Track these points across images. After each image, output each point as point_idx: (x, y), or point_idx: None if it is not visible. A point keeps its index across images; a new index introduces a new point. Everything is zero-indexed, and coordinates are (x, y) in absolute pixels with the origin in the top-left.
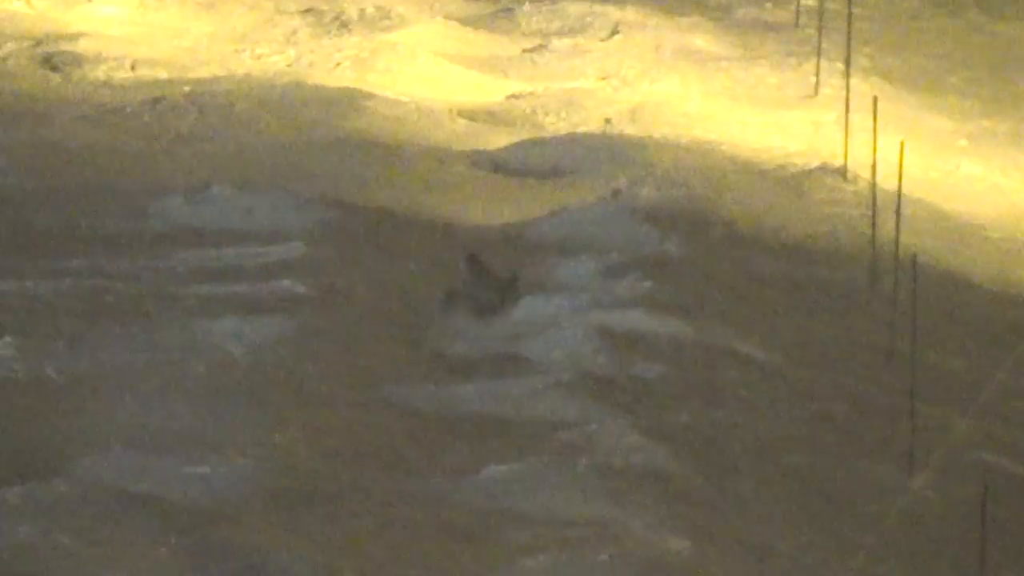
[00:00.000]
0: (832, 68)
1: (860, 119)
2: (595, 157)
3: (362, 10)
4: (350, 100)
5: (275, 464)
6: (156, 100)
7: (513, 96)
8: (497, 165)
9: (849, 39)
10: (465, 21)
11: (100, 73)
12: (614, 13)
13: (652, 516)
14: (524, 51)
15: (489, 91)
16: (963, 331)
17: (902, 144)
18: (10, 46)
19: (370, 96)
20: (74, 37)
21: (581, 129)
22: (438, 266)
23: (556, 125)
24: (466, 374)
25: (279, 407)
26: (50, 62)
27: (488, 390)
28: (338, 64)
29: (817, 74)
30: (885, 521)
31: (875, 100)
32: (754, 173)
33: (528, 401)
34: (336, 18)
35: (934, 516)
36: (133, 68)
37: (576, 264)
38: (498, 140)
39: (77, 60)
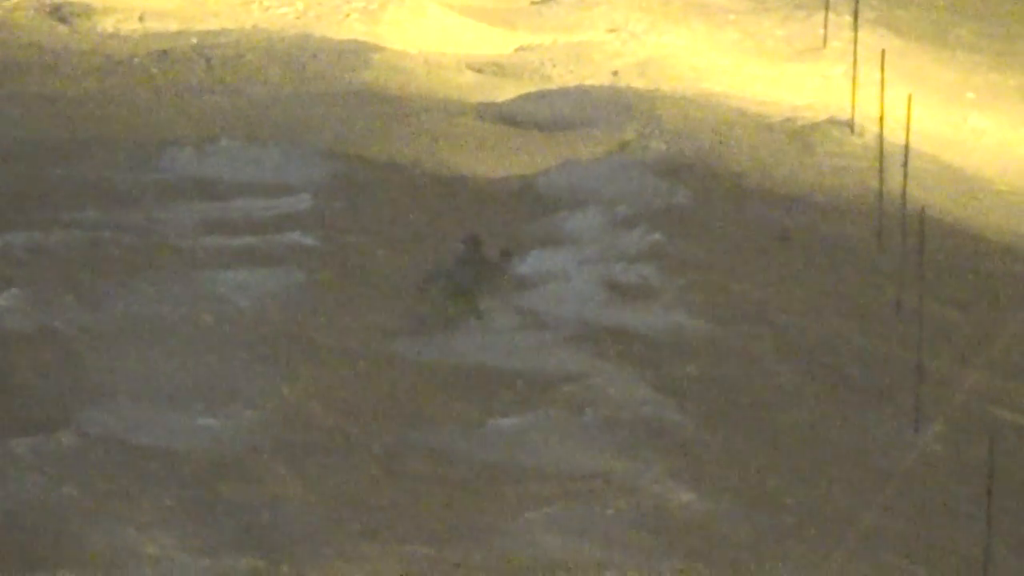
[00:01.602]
0: (840, 21)
1: (868, 72)
2: (603, 110)
3: None
4: (358, 52)
5: (282, 416)
6: (164, 52)
7: (521, 48)
8: (505, 117)
9: None
10: None
11: (108, 24)
12: None
13: (659, 469)
14: (532, 3)
15: (497, 43)
16: (970, 285)
17: (910, 97)
18: None
19: (378, 48)
20: None
21: (589, 82)
22: (447, 218)
23: (564, 78)
24: (474, 326)
25: (287, 359)
26: (58, 13)
27: (495, 343)
28: (347, 16)
29: (825, 27)
30: (892, 475)
31: (883, 53)
32: (762, 126)
33: (535, 354)
34: None
35: (941, 470)
36: (141, 19)
37: (584, 216)
38: (506, 92)
39: (85, 11)
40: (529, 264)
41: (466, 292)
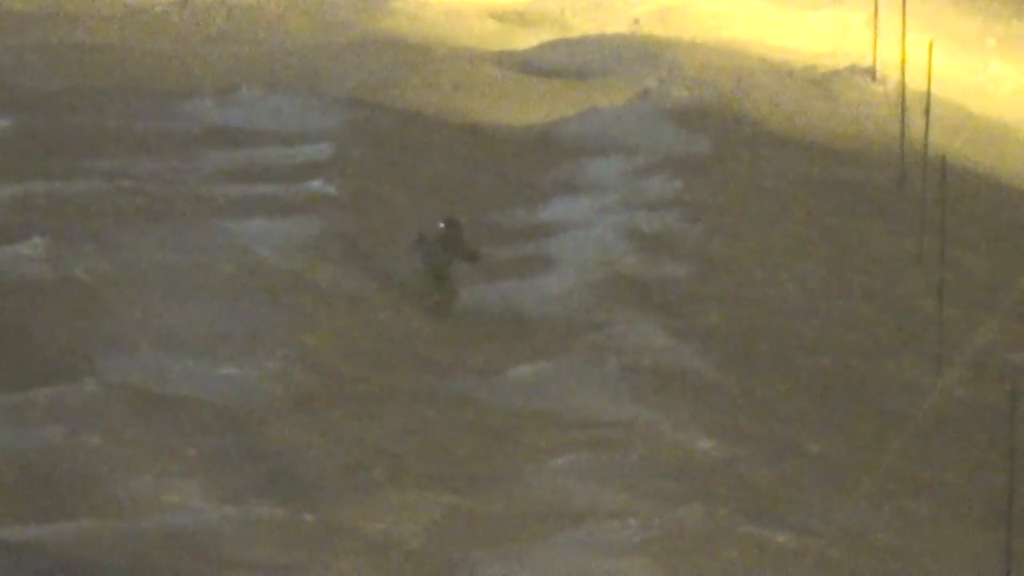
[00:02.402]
0: None
1: (889, 19)
2: (624, 57)
3: None
4: (378, 1)
5: (304, 365)
6: (185, 1)
7: None
8: (526, 66)
9: None
10: None
11: None
12: None
13: (680, 416)
14: None
15: None
16: (992, 232)
17: (930, 44)
18: None
19: None
20: None
21: (610, 30)
22: (468, 167)
23: (585, 25)
24: (495, 274)
25: (307, 308)
26: None
27: (516, 290)
28: None
29: None
30: (913, 421)
31: (904, 0)
32: (783, 73)
33: (556, 301)
34: None
35: (962, 416)
36: None
37: (605, 164)
38: (527, 41)
39: None
40: (550, 211)
41: (443, 278)
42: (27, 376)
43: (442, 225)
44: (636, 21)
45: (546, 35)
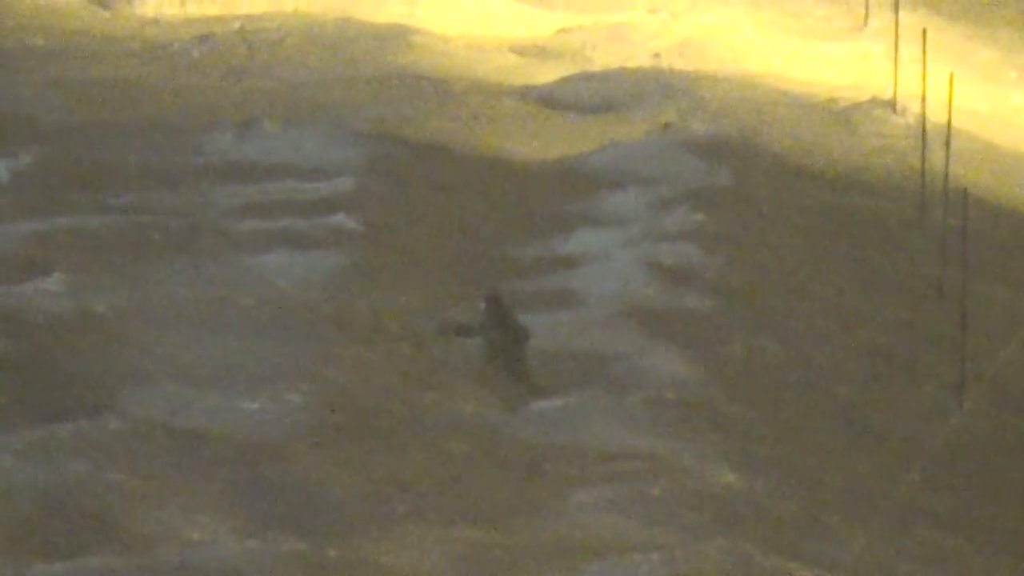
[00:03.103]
0: (881, 0)
1: (909, 51)
2: (644, 91)
3: None
4: (399, 35)
5: (325, 399)
6: (205, 36)
7: (562, 31)
8: (546, 99)
9: None
10: None
11: (149, 9)
12: None
13: (703, 449)
14: None
15: (538, 25)
16: (1013, 263)
17: (951, 77)
18: None
19: (419, 31)
20: None
21: (630, 63)
22: (488, 201)
23: (605, 59)
24: (517, 308)
25: (328, 342)
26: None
27: (538, 323)
28: None
29: (866, 6)
30: (934, 451)
31: (924, 32)
32: (803, 106)
33: (578, 334)
34: None
35: (983, 446)
36: (182, 4)
37: (626, 197)
38: (547, 74)
39: None
40: (571, 244)
41: (505, 358)
42: (49, 411)
43: (484, 303)
44: (656, 55)
45: (567, 69)
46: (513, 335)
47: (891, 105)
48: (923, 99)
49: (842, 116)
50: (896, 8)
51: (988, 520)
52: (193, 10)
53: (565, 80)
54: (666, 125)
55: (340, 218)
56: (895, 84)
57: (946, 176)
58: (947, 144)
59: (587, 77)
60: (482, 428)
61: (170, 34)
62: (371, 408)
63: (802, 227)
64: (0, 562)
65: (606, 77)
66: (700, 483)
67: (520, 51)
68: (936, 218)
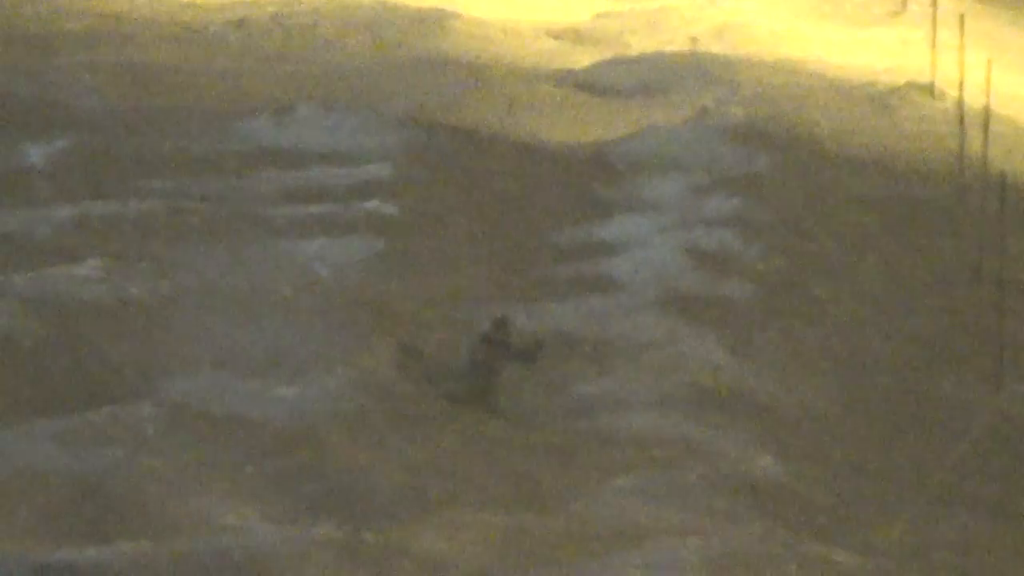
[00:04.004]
0: None
1: (947, 36)
2: (681, 76)
3: None
4: (436, 20)
5: (361, 385)
6: (241, 20)
7: (600, 15)
8: (583, 84)
9: None
10: None
11: None
12: None
13: (740, 435)
14: None
15: (575, 10)
16: None
17: (989, 62)
18: None
19: (456, 16)
20: None
21: (667, 48)
22: (525, 186)
23: (642, 44)
24: (554, 294)
25: (366, 329)
26: None
27: (576, 309)
28: None
29: None
30: (973, 438)
31: (962, 17)
32: (841, 91)
33: (616, 320)
34: None
35: (1021, 432)
36: None
37: (663, 183)
38: (584, 59)
39: None
40: (608, 230)
41: (483, 390)
42: (85, 397)
43: (488, 328)
44: (694, 39)
45: (603, 54)
46: (515, 355)
47: (929, 90)
48: (961, 84)
49: (880, 101)
50: None
51: None
52: None
53: (602, 65)
54: (703, 110)
55: (377, 204)
56: (933, 69)
57: (984, 161)
58: (985, 129)
59: (624, 62)
60: (518, 414)
61: (205, 18)
62: (407, 395)
63: (840, 213)
64: (34, 545)
65: (643, 61)
66: (736, 469)
67: (557, 36)
68: (974, 204)
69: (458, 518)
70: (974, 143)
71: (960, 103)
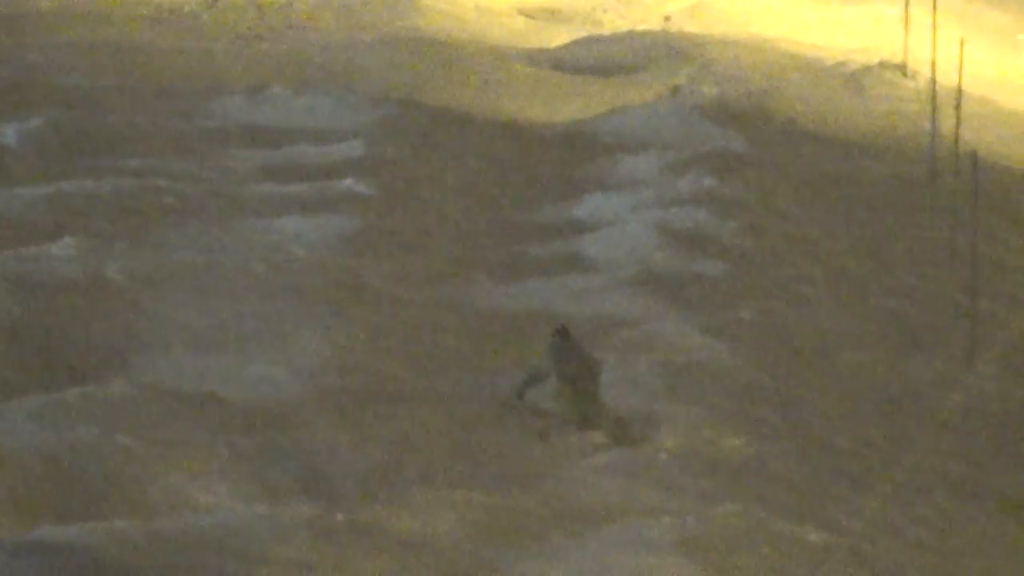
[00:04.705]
0: None
1: (920, 15)
2: (655, 55)
3: None
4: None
5: (335, 364)
6: (215, 0)
7: None
8: (557, 63)
9: None
10: None
11: None
12: None
13: (713, 413)
14: None
15: None
16: (1022, 226)
17: (961, 41)
18: None
19: None
20: None
21: (640, 26)
22: (499, 165)
23: (616, 23)
24: (527, 272)
25: (340, 307)
26: None
27: (551, 287)
28: None
29: None
30: (945, 416)
31: None
32: (814, 69)
33: (590, 298)
34: None
35: (994, 411)
36: None
37: (637, 161)
38: (557, 38)
39: None
40: (582, 209)
41: (581, 391)
42: (58, 376)
43: (553, 337)
44: (667, 18)
45: (577, 32)
46: (587, 367)
47: (901, 69)
48: (933, 63)
49: (852, 80)
50: None
51: (997, 486)
52: None
53: (575, 43)
54: (676, 89)
55: (351, 182)
56: (905, 48)
57: (956, 139)
58: (957, 108)
59: (597, 40)
60: (492, 393)
61: None
62: (381, 374)
63: (813, 191)
64: (9, 523)
65: (617, 40)
66: (710, 447)
67: (530, 14)
68: (946, 182)
69: (432, 497)
70: (946, 122)
71: (932, 82)
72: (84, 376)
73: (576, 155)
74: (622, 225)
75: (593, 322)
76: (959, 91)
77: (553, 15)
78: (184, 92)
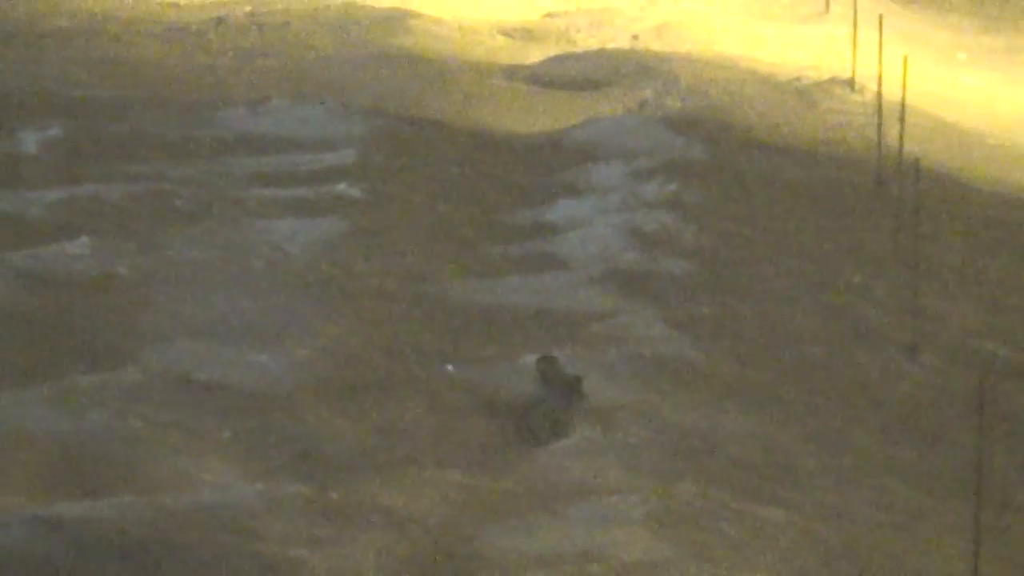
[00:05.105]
0: None
1: (867, 35)
2: (623, 71)
3: None
4: (397, 19)
5: (328, 354)
6: (220, 20)
7: (548, 15)
8: (533, 78)
9: None
10: None
11: None
12: None
13: (677, 401)
14: None
15: (525, 10)
16: (962, 229)
17: (906, 58)
18: None
19: (416, 15)
20: None
21: (611, 45)
22: (479, 172)
23: (587, 41)
24: (506, 270)
25: (332, 301)
26: None
27: (526, 284)
28: None
29: None
30: (889, 403)
31: (881, 17)
32: (770, 84)
33: (563, 295)
34: None
35: (936, 399)
36: None
37: (607, 168)
38: (534, 55)
39: None
40: (555, 212)
41: (560, 416)
42: (72, 364)
43: (539, 364)
44: (635, 37)
45: (552, 50)
46: (568, 387)
47: (850, 84)
48: (879, 78)
49: (805, 94)
50: None
51: (938, 469)
52: None
53: (550, 60)
54: (643, 102)
55: (343, 187)
56: (854, 65)
57: (900, 149)
58: (901, 120)
59: (571, 58)
60: (474, 381)
61: (187, 17)
62: (371, 363)
63: (769, 196)
64: (27, 500)
65: (588, 58)
66: (674, 432)
67: (509, 33)
68: (891, 188)
69: (417, 476)
70: (891, 133)
71: (879, 96)
72: (96, 364)
73: (550, 163)
74: (592, 227)
75: (566, 316)
76: (903, 105)
77: (530, 35)
78: (190, 104)
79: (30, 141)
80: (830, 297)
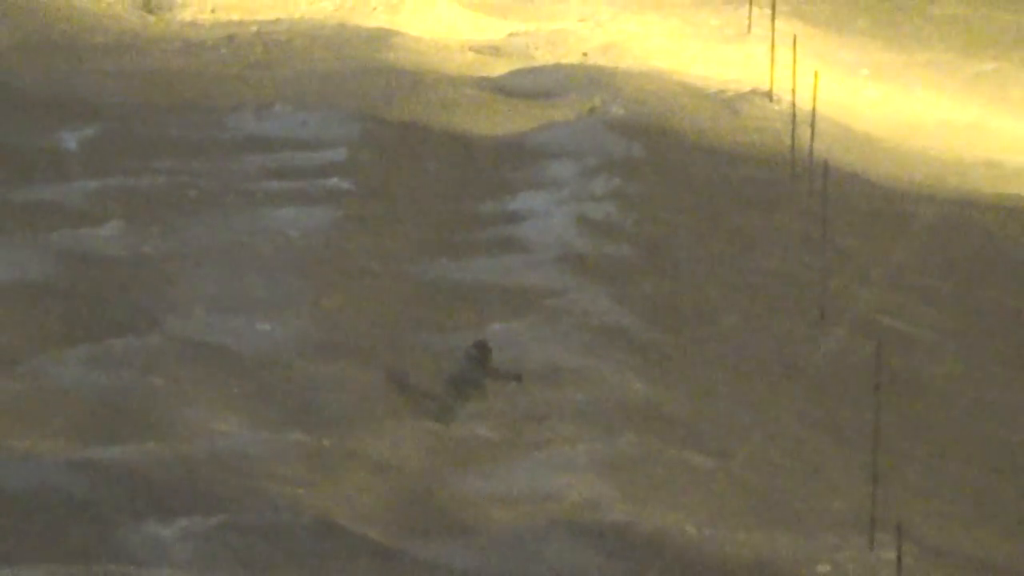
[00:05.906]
0: (762, 12)
1: (784, 53)
2: (575, 82)
3: None
4: (383, 37)
5: (323, 323)
6: (231, 36)
7: (511, 34)
8: (498, 88)
9: None
10: None
11: (187, 15)
12: None
13: (620, 365)
14: None
15: (492, 30)
16: (864, 220)
17: (816, 74)
18: None
19: (399, 34)
20: None
21: (564, 60)
22: (452, 168)
23: (545, 57)
24: (474, 252)
25: (326, 278)
26: (147, 6)
27: (492, 264)
28: (374, 9)
29: (750, 17)
30: (804, 369)
31: (795, 38)
32: (699, 95)
33: (523, 273)
34: None
35: (841, 365)
36: (213, 11)
37: (560, 166)
38: (499, 68)
39: (169, 4)
40: (517, 203)
41: (477, 389)
42: (105, 330)
43: (473, 348)
44: (585, 54)
45: (514, 64)
46: (491, 375)
47: (768, 95)
48: (793, 90)
49: (729, 104)
50: (773, 18)
51: (844, 422)
52: (221, 16)
53: (513, 73)
54: (592, 109)
55: (337, 180)
56: (772, 79)
57: (811, 151)
58: (812, 126)
59: (530, 71)
60: (447, 347)
61: (203, 34)
62: (358, 331)
63: (699, 191)
64: (65, 446)
65: (545, 71)
66: (617, 392)
67: (478, 50)
68: (804, 185)
69: (398, 428)
70: (803, 137)
71: (793, 106)
72: (125, 330)
73: (512, 161)
74: (548, 216)
75: (526, 292)
76: (814, 113)
77: (496, 51)
78: (205, 108)
79: (70, 140)
80: (749, 278)
